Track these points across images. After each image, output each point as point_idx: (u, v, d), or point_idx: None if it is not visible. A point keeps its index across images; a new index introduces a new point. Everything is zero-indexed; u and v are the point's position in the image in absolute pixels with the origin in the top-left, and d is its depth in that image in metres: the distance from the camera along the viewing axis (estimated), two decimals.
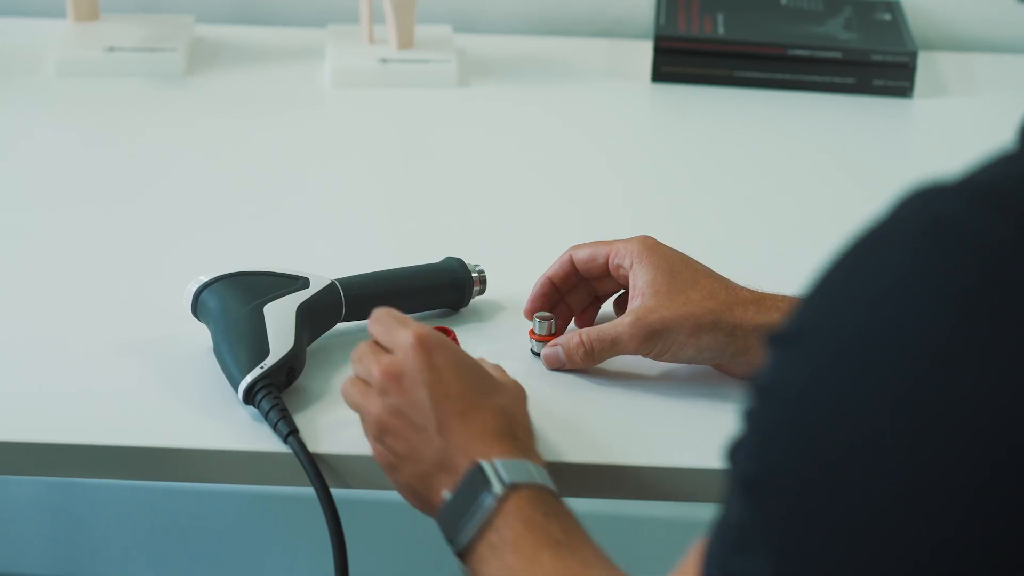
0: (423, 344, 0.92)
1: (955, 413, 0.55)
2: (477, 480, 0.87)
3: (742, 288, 1.03)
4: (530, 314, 1.08)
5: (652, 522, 1.92)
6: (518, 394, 0.96)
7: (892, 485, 0.56)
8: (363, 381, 0.94)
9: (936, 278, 0.57)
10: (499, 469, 0.87)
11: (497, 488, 0.86)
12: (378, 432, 0.92)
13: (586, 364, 1.05)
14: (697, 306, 1.01)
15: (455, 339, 1.03)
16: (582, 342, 1.04)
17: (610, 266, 1.05)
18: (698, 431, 1.02)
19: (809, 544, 0.58)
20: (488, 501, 0.86)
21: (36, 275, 1.20)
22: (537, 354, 1.07)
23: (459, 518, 0.87)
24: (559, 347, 1.05)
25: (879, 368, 0.57)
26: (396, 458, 0.92)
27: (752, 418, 0.61)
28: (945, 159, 1.33)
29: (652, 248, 1.04)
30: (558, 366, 1.05)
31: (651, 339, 1.01)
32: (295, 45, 1.64)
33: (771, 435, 0.60)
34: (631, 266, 1.04)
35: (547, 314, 1.07)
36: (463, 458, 0.89)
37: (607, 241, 1.07)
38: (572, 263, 1.07)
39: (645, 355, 1.03)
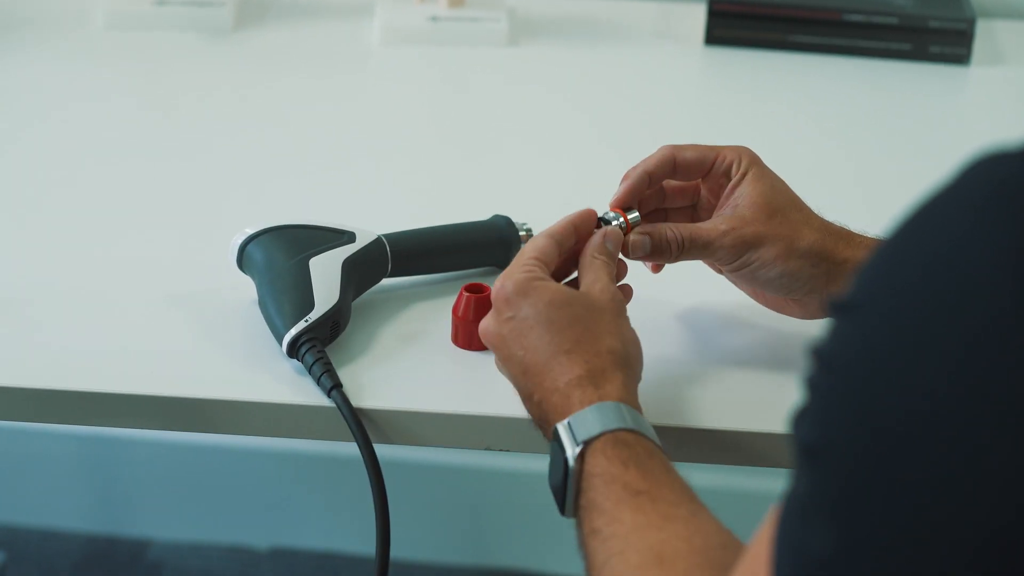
0: (497, 298, 0.92)
1: (1013, 387, 0.54)
2: (558, 446, 0.87)
3: (833, 222, 1.01)
4: (617, 204, 1.01)
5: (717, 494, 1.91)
6: (599, 307, 0.92)
7: (952, 454, 0.55)
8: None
9: (996, 244, 0.56)
10: (573, 428, 0.86)
11: (571, 452, 0.85)
12: (509, 377, 0.93)
13: (673, 260, 1.00)
14: (793, 229, 0.99)
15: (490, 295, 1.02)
16: (676, 237, 0.99)
17: (715, 170, 1.01)
18: (756, 396, 1.01)
19: (871, 513, 0.57)
20: (570, 467, 0.85)
21: (84, 227, 1.20)
22: (604, 220, 1.01)
23: (556, 492, 0.87)
24: (648, 236, 0.99)
25: (938, 336, 0.56)
26: (524, 400, 0.92)
27: (813, 386, 0.61)
28: (1002, 128, 1.31)
29: (758, 160, 1.01)
30: (642, 256, 1.00)
31: (741, 249, 0.98)
32: (344, 2, 1.63)
33: (832, 403, 0.59)
34: (736, 171, 1.01)
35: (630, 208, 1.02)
36: (550, 415, 0.89)
37: (709, 145, 1.02)
38: (673, 160, 1.02)
39: (728, 265, 1.00)
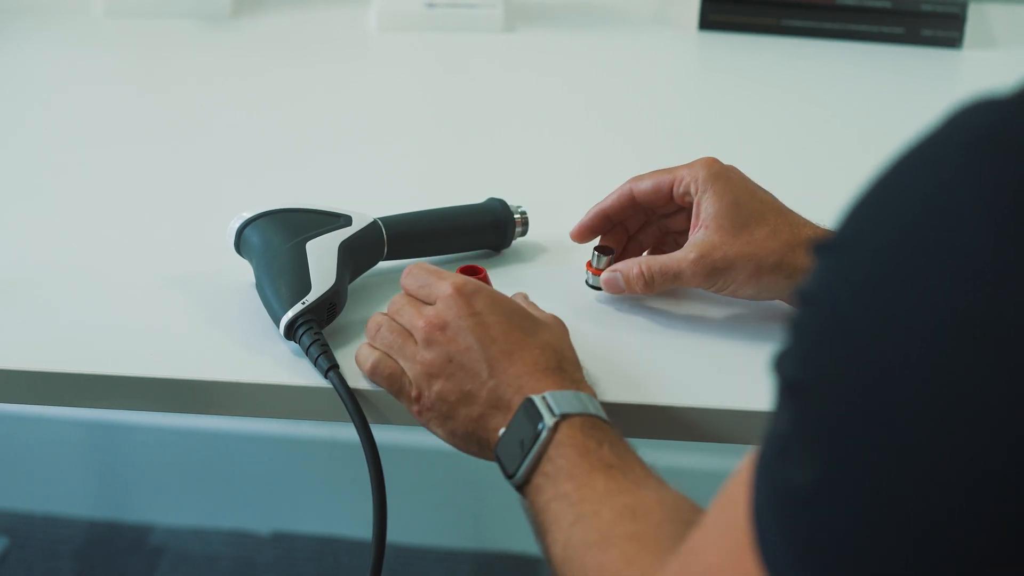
0: (462, 292, 0.93)
1: (996, 326, 0.55)
2: (529, 414, 0.88)
3: (805, 224, 1.02)
4: (578, 237, 1.07)
5: (693, 474, 1.92)
6: (559, 327, 0.97)
7: (937, 388, 0.56)
8: (402, 334, 0.96)
9: (980, 189, 0.56)
10: (549, 401, 0.88)
11: (548, 420, 0.87)
12: (428, 380, 0.93)
13: (645, 292, 1.04)
14: (760, 246, 1.00)
15: (486, 277, 1.04)
16: (642, 273, 1.03)
17: (674, 194, 1.04)
18: (740, 373, 1.02)
19: (852, 448, 0.57)
20: (541, 433, 0.87)
21: (83, 211, 1.21)
22: (594, 287, 1.06)
23: (515, 453, 0.88)
24: (618, 273, 1.04)
25: (920, 277, 0.57)
26: (448, 405, 0.93)
27: (796, 325, 0.61)
28: None
29: (717, 175, 1.02)
30: (617, 292, 1.05)
31: (712, 276, 1.01)
32: None
33: (815, 341, 0.60)
34: (696, 192, 1.02)
35: (608, 248, 1.06)
36: (515, 395, 0.90)
37: (667, 169, 1.05)
38: (632, 197, 1.06)
39: (706, 289, 1.03)
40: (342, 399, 0.97)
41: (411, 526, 2.04)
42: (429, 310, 0.94)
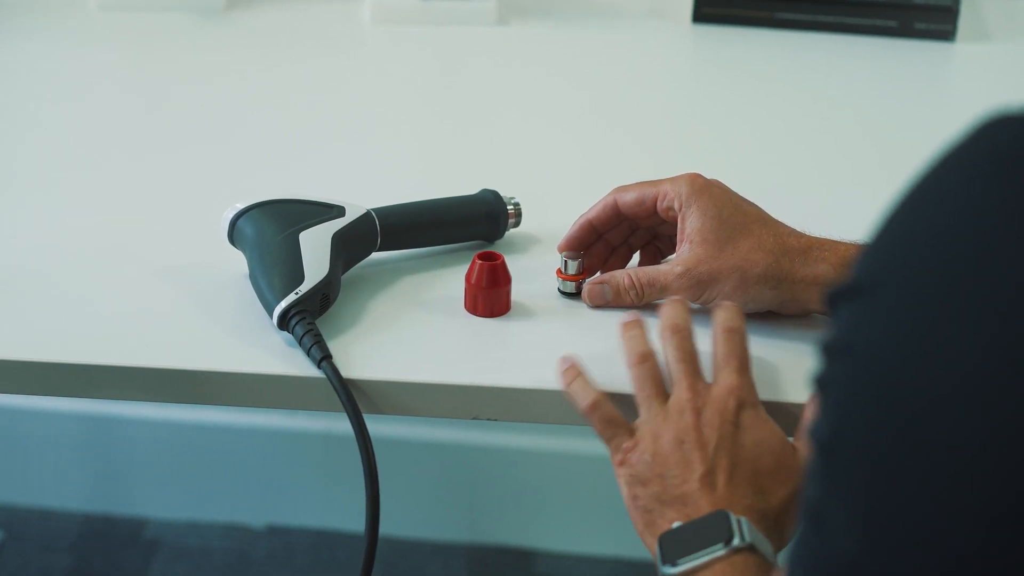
0: (737, 395, 0.92)
1: None
2: (719, 525, 0.87)
3: (790, 234, 1.02)
4: (566, 250, 1.07)
5: None
6: (795, 482, 0.92)
7: (988, 431, 0.53)
8: (658, 385, 0.94)
9: (1008, 208, 0.54)
10: (744, 527, 0.86)
11: (737, 540, 0.85)
12: (653, 440, 0.91)
13: (635, 303, 1.04)
14: (744, 259, 1.00)
15: (503, 263, 1.04)
16: (633, 284, 1.03)
17: (658, 208, 1.04)
18: None
19: (901, 501, 0.55)
20: (720, 547, 0.85)
21: (77, 203, 1.21)
22: (566, 293, 1.07)
23: (685, 549, 0.87)
24: (606, 285, 1.04)
25: (961, 308, 0.54)
26: (648, 472, 0.91)
27: (826, 384, 0.59)
28: (987, 104, 1.32)
29: (701, 190, 1.02)
30: (602, 303, 1.05)
31: (698, 289, 1.01)
32: None
33: (851, 394, 0.57)
34: (680, 208, 1.02)
35: (576, 253, 1.07)
36: (706, 504, 0.88)
37: (652, 182, 1.05)
38: (616, 207, 1.06)
39: (693, 301, 1.03)
40: (335, 389, 0.97)
41: (405, 519, 2.04)
42: (702, 386, 0.93)
